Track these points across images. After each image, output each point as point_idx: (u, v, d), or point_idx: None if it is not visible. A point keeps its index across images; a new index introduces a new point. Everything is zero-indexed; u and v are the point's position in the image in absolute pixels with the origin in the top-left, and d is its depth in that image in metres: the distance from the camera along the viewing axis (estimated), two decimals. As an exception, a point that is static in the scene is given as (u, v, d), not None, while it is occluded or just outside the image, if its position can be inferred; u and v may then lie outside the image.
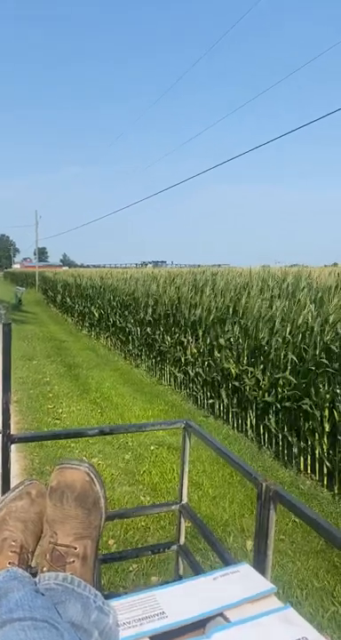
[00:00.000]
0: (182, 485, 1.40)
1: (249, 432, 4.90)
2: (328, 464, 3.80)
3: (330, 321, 4.12)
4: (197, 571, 1.23)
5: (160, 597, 0.80)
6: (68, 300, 16.28)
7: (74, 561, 0.76)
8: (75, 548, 0.77)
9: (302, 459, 4.10)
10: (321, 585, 2.59)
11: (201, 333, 6.16)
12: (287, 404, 4.20)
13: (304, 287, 6.05)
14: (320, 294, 5.46)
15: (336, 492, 3.67)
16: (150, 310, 8.10)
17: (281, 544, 2.93)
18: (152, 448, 4.40)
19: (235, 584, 0.84)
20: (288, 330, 4.50)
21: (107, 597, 0.80)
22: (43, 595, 0.70)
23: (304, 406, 3.95)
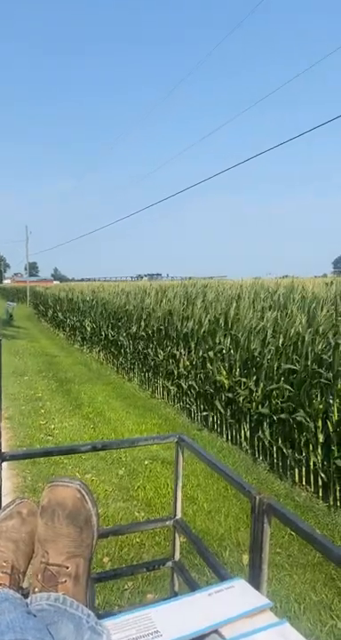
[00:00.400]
0: (176, 500, 1.39)
1: (244, 444, 4.89)
2: (322, 475, 3.80)
3: (320, 331, 4.15)
4: (193, 587, 1.21)
5: (154, 616, 0.79)
6: (60, 314, 16.24)
7: (66, 580, 0.75)
8: (67, 568, 0.76)
9: (297, 470, 4.08)
10: (319, 598, 2.57)
11: (193, 346, 6.16)
12: (281, 415, 4.20)
13: (294, 298, 6.10)
14: (313, 305, 5.52)
15: (331, 503, 3.66)
16: (142, 324, 8.10)
17: (278, 557, 2.91)
18: (146, 463, 4.36)
19: (230, 600, 0.83)
20: (280, 341, 4.51)
21: (101, 617, 0.78)
22: (35, 616, 0.68)
23: (298, 417, 3.95)
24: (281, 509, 0.91)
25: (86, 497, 0.82)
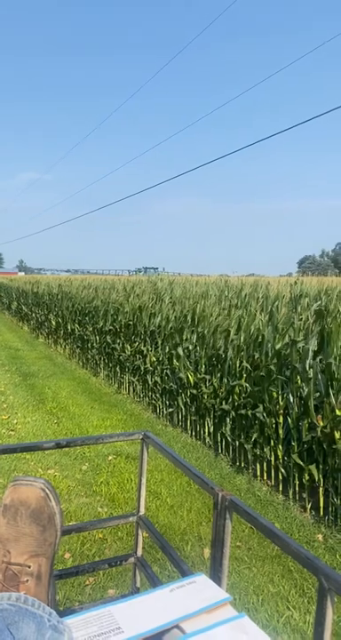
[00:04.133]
0: (140, 497, 1.40)
1: (207, 440, 4.95)
2: (282, 470, 3.90)
3: (280, 329, 4.24)
4: (155, 582, 1.23)
5: (116, 612, 0.80)
6: (24, 307, 15.91)
7: (28, 580, 0.75)
8: (29, 567, 0.76)
9: (258, 465, 4.17)
10: (277, 590, 2.64)
11: (160, 342, 6.18)
12: (242, 411, 4.28)
13: (258, 297, 6.23)
14: (277, 303, 5.66)
15: (290, 497, 3.76)
16: (110, 318, 8.04)
17: (238, 551, 2.97)
18: (110, 458, 4.35)
19: (192, 595, 0.85)
20: (242, 338, 4.59)
21: (62, 614, 0.78)
22: None
23: (258, 414, 4.03)
24: (243, 506, 0.93)
25: (50, 495, 0.82)
